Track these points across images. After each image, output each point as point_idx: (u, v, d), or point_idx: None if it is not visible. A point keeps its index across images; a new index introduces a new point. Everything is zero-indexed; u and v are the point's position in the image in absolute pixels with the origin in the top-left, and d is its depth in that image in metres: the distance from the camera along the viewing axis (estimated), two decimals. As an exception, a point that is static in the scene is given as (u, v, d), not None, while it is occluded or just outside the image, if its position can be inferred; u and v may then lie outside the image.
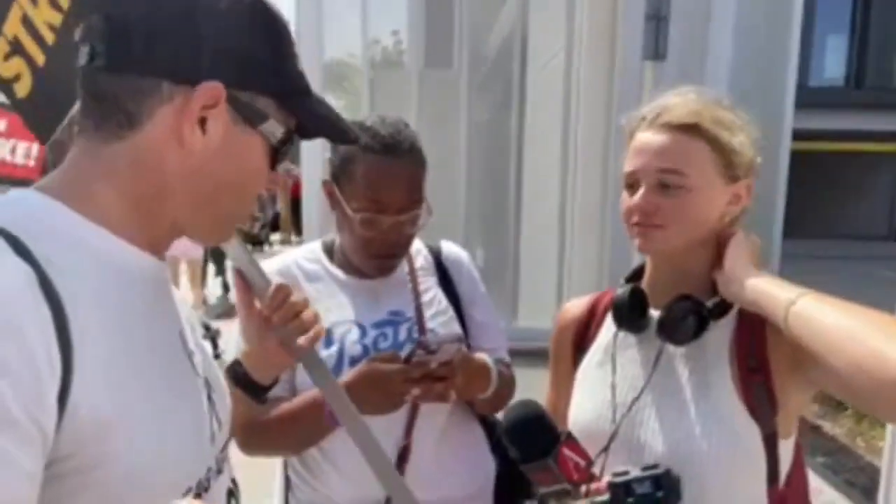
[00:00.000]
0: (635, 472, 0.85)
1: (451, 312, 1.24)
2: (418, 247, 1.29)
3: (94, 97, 0.64)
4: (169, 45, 0.62)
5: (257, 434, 1.13)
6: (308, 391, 1.12)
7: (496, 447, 1.27)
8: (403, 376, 1.07)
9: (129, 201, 0.65)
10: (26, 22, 1.26)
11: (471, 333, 1.27)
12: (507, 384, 1.26)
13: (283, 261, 1.25)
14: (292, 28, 0.77)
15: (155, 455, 0.60)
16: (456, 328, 1.24)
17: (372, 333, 1.16)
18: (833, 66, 16.49)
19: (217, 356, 0.87)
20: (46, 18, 1.26)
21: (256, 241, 12.60)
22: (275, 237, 12.86)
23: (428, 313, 1.21)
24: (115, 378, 0.58)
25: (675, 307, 0.93)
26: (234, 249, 0.91)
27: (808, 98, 11.33)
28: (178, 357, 0.70)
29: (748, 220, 1.89)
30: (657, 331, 0.95)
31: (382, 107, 2.65)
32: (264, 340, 0.93)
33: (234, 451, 1.21)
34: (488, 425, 1.29)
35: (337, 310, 1.18)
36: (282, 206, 12.49)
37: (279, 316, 0.89)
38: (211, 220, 0.71)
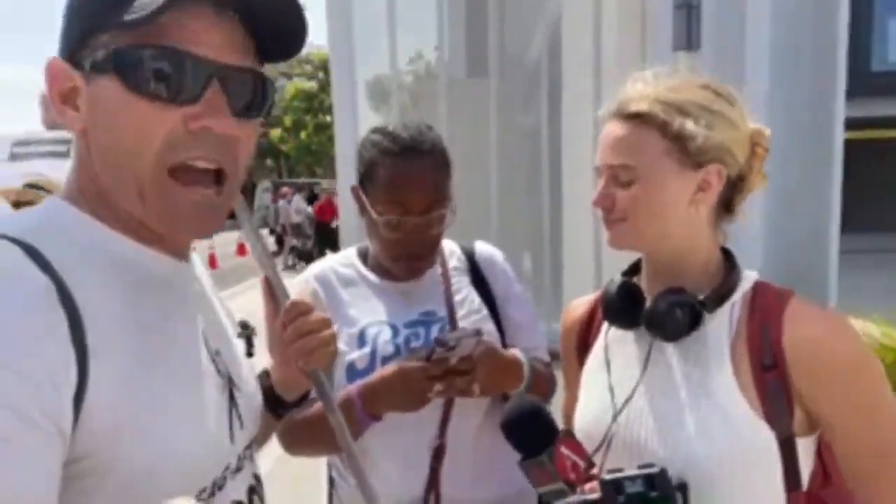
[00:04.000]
0: (629, 471, 0.82)
1: (484, 312, 1.25)
2: (452, 248, 1.31)
3: None
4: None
5: (295, 434, 1.16)
6: (340, 392, 1.13)
7: None
8: (425, 373, 1.07)
9: (103, 201, 0.65)
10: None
11: (507, 332, 1.27)
12: (544, 381, 1.24)
13: (320, 266, 1.28)
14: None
15: (168, 456, 0.61)
16: (489, 327, 1.23)
17: (404, 333, 1.18)
18: (900, 49, 15.58)
19: (250, 355, 0.86)
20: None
21: (307, 257, 12.88)
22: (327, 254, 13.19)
23: (460, 312, 1.22)
24: (129, 382, 0.59)
25: (660, 300, 0.88)
26: (261, 258, 0.91)
27: (872, 84, 10.75)
28: (197, 358, 0.70)
29: (804, 216, 1.81)
30: (645, 325, 0.91)
31: (428, 117, 2.69)
32: (284, 354, 0.91)
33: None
34: None
35: (370, 312, 1.20)
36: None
37: (289, 332, 0.86)
38: (127, 192, 0.63)
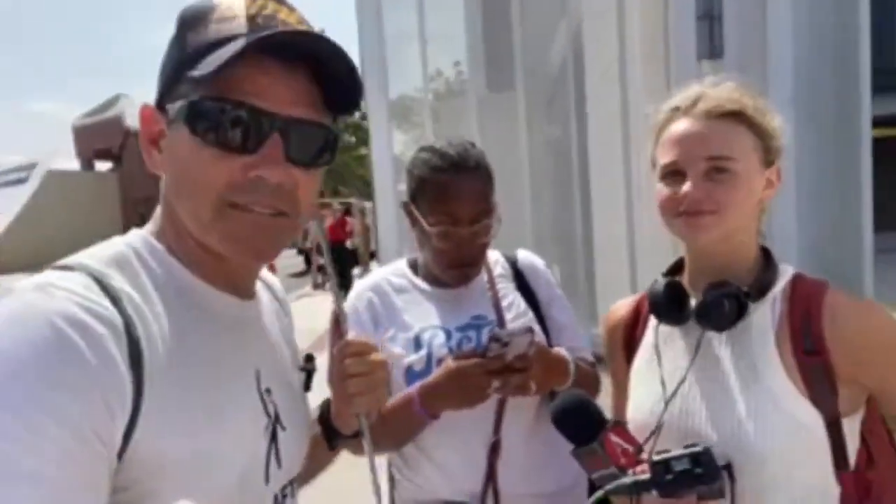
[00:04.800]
0: (676, 451, 0.85)
1: (530, 314, 1.29)
2: (496, 256, 1.36)
3: None
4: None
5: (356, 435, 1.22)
6: (399, 393, 1.19)
7: None
8: (482, 369, 1.12)
9: (179, 237, 0.69)
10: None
11: (551, 334, 1.31)
12: (589, 379, 1.28)
13: (373, 278, 1.35)
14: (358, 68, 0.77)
15: (200, 494, 0.62)
16: (536, 329, 1.28)
17: (456, 336, 1.24)
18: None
19: (308, 389, 0.90)
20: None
21: (339, 275, 12.97)
22: (354, 272, 13.29)
23: (508, 316, 1.27)
24: (174, 421, 0.60)
25: (709, 293, 0.93)
26: (335, 293, 0.92)
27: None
28: (245, 398, 0.71)
29: (835, 215, 1.82)
30: (695, 318, 0.95)
31: (447, 134, 2.75)
32: (334, 390, 0.89)
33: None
34: None
35: (424, 317, 1.26)
36: (359, 241, 12.89)
37: (337, 371, 0.84)
38: (195, 227, 0.67)
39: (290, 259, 15.52)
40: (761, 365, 0.91)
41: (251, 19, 0.66)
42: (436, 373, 1.16)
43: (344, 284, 10.15)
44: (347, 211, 14.72)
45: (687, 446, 0.86)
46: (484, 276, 1.30)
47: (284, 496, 0.76)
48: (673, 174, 0.95)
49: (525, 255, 1.39)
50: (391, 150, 2.29)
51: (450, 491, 1.20)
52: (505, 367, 1.11)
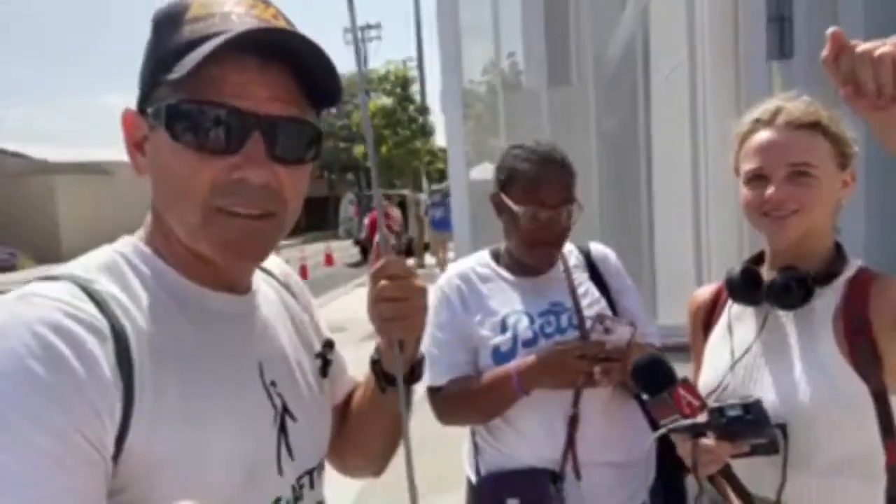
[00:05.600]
0: (730, 400, 1.00)
1: (603, 302, 1.42)
2: (570, 248, 1.50)
3: None
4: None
5: (450, 407, 1.37)
6: (496, 368, 1.33)
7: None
8: (580, 352, 1.24)
9: (168, 240, 0.68)
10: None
11: None
12: None
13: (460, 267, 1.49)
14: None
15: (202, 492, 0.61)
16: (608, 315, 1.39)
17: (539, 321, 1.37)
18: None
19: (325, 375, 0.87)
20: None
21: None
22: (409, 262, 13.47)
23: (584, 303, 1.40)
24: (169, 422, 0.60)
25: (779, 275, 1.04)
26: (381, 229, 0.84)
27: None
28: (247, 392, 0.70)
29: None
30: (765, 296, 1.06)
31: (512, 126, 2.84)
32: (373, 314, 0.81)
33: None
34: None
35: (508, 303, 1.40)
36: (415, 233, 13.11)
37: (372, 294, 0.78)
38: (182, 232, 0.66)
39: (346, 250, 15.93)
40: (818, 341, 1.03)
41: (226, 17, 0.64)
42: (534, 353, 1.28)
43: None
44: (401, 203, 14.94)
45: (742, 398, 1.00)
46: (560, 267, 1.43)
47: (301, 486, 0.75)
48: (757, 178, 1.07)
49: (597, 247, 1.51)
50: (465, 142, 2.41)
51: (532, 458, 1.34)
52: (603, 356, 1.24)
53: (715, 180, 2.10)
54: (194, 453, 0.61)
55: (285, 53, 0.64)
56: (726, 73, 1.95)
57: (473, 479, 1.43)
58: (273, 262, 0.87)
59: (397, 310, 0.77)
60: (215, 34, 0.61)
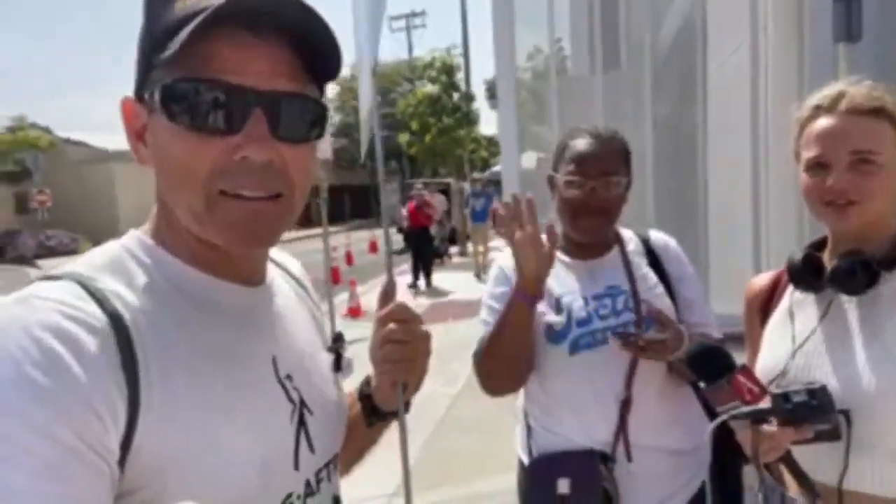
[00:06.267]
0: (795, 386, 0.98)
1: (660, 289, 1.41)
2: (629, 235, 1.49)
3: None
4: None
5: (484, 368, 1.36)
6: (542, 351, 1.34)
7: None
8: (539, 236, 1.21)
9: (175, 232, 0.66)
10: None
11: (679, 308, 1.42)
12: None
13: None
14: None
15: (215, 489, 0.59)
16: (666, 302, 1.39)
17: (593, 303, 1.37)
18: None
19: (338, 369, 0.85)
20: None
21: (439, 255, 13.28)
22: (452, 250, 13.49)
23: (642, 288, 1.40)
24: (180, 419, 0.58)
25: (843, 259, 1.02)
26: (388, 264, 0.94)
27: None
28: (262, 384, 0.68)
29: None
30: (829, 282, 1.04)
31: (566, 111, 2.81)
32: (375, 359, 0.84)
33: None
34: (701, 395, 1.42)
35: (563, 285, 1.41)
36: (458, 222, 13.08)
37: (379, 335, 0.80)
38: (188, 219, 0.63)
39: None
40: (884, 328, 1.02)
41: None
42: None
43: (426, 272, 10.04)
44: (445, 192, 14.89)
45: (807, 384, 0.98)
46: (617, 251, 1.43)
47: (319, 480, 0.73)
48: (817, 166, 1.04)
49: (657, 234, 1.50)
50: (517, 128, 2.41)
51: (584, 440, 1.34)
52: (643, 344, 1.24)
53: (776, 166, 2.05)
54: (207, 449, 0.59)
55: (284, 25, 0.60)
56: (789, 55, 1.90)
57: (525, 460, 1.45)
58: (285, 257, 0.85)
59: (403, 352, 0.80)
60: (206, 8, 0.57)
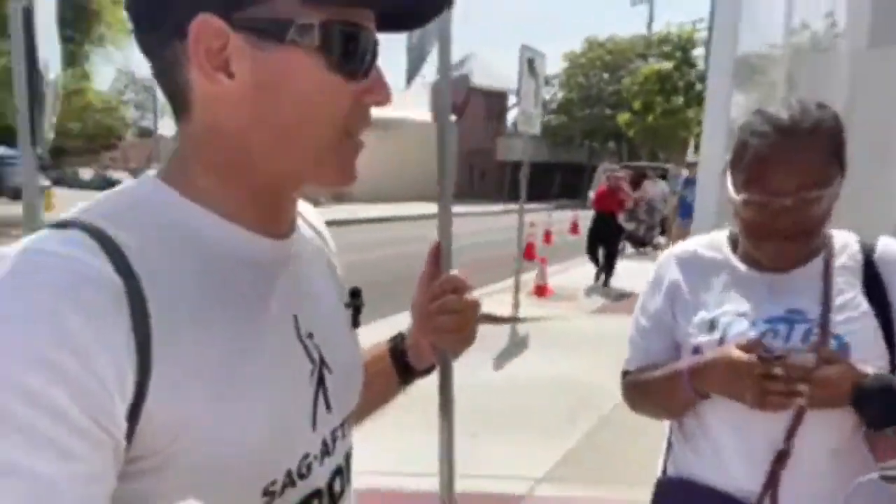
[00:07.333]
0: None
1: (870, 322, 1.03)
2: (847, 241, 1.13)
3: (156, 78, 0.62)
4: None
5: (630, 395, 1.27)
6: (672, 364, 1.15)
7: None
8: (763, 370, 0.99)
9: (218, 177, 0.62)
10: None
11: None
12: None
13: (683, 247, 1.26)
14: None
15: (229, 450, 0.57)
16: (869, 338, 1.03)
17: (761, 328, 1.08)
18: None
19: (356, 325, 0.81)
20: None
21: (640, 243, 12.55)
22: (660, 240, 12.71)
23: (838, 317, 1.04)
24: (193, 382, 0.55)
25: None
26: (444, 222, 0.92)
27: None
28: (283, 343, 0.66)
29: None
30: None
31: (802, 96, 2.29)
32: (423, 322, 0.88)
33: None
34: None
35: (728, 300, 1.13)
36: (669, 211, 12.16)
37: (435, 304, 0.85)
38: (302, 160, 0.62)
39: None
40: None
41: None
42: (710, 353, 1.07)
43: (608, 265, 9.39)
44: (663, 177, 13.90)
45: None
46: (819, 264, 1.07)
47: (335, 438, 0.72)
48: None
49: (888, 246, 1.11)
50: (727, 113, 2.01)
51: (724, 483, 1.11)
52: (785, 375, 0.97)
53: None
54: (222, 412, 0.57)
55: None
56: None
57: (659, 473, 1.28)
58: (303, 205, 0.81)
59: (457, 322, 0.85)
60: None
